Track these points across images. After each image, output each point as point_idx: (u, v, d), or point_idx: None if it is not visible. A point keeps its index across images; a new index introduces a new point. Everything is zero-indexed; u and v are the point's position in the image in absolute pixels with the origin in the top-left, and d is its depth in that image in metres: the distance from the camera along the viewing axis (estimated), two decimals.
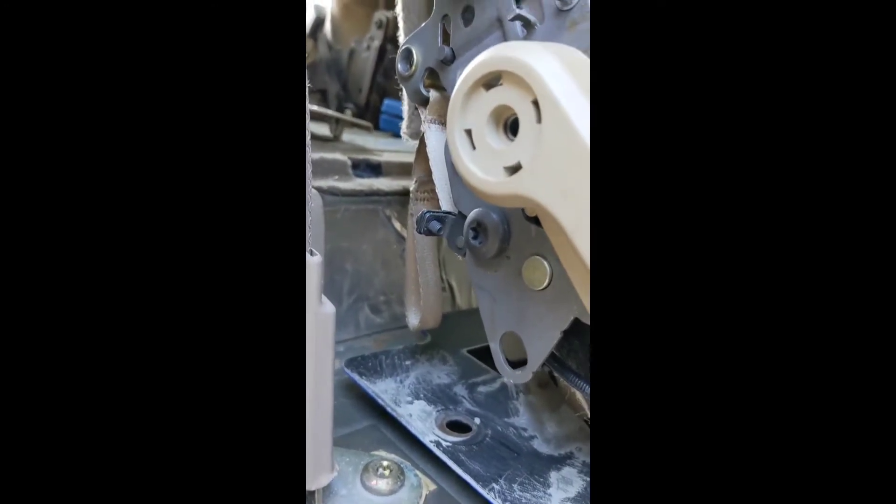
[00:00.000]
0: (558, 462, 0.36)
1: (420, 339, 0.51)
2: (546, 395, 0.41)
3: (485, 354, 0.51)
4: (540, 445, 0.38)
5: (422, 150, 0.38)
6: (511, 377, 0.27)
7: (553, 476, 0.35)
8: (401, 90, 0.41)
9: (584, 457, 0.38)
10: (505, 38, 0.26)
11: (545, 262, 0.25)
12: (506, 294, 0.27)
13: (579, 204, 0.18)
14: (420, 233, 0.30)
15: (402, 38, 0.39)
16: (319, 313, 0.27)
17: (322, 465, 0.30)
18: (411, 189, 0.40)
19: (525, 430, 0.39)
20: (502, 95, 0.20)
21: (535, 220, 0.26)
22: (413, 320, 0.42)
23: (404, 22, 0.39)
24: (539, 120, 0.18)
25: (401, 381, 0.43)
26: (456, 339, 0.51)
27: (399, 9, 0.39)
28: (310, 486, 0.30)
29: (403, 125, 0.42)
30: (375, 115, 1.05)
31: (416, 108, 0.39)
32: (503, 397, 0.41)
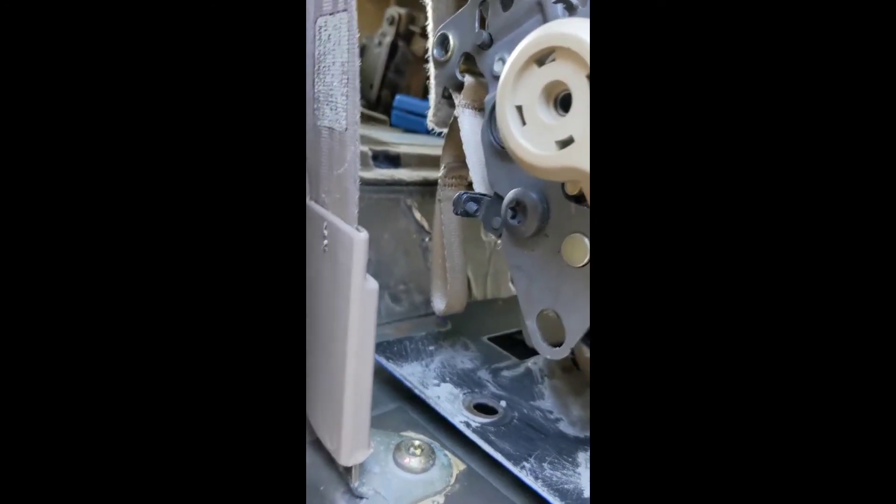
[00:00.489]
0: (585, 444, 0.37)
1: (440, 327, 0.52)
2: (570, 380, 0.42)
3: (505, 342, 0.51)
4: (566, 427, 0.38)
5: (452, 137, 0.39)
6: (549, 354, 0.28)
7: (581, 457, 0.35)
8: (427, 79, 0.41)
9: None
10: (545, 21, 0.26)
11: (585, 239, 0.26)
12: (544, 272, 0.28)
13: None
14: (457, 214, 0.31)
15: (430, 27, 0.39)
16: (364, 289, 0.27)
17: (360, 441, 0.30)
18: (440, 175, 0.40)
19: (551, 412, 0.39)
20: (555, 71, 0.21)
21: (575, 199, 0.26)
22: (439, 305, 0.42)
23: (433, 11, 0.40)
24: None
25: (426, 366, 0.43)
26: (475, 327, 0.52)
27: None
28: (347, 462, 0.31)
29: (430, 114, 0.43)
30: (387, 111, 1.06)
31: (444, 97, 0.40)
32: (528, 381, 0.42)
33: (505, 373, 0.43)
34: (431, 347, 0.46)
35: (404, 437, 0.37)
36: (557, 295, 0.27)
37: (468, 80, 0.33)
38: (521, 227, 0.28)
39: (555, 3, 0.25)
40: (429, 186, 0.58)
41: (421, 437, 0.37)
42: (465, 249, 0.41)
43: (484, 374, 0.43)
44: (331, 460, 0.34)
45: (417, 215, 0.57)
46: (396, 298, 0.57)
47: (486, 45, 0.30)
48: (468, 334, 0.50)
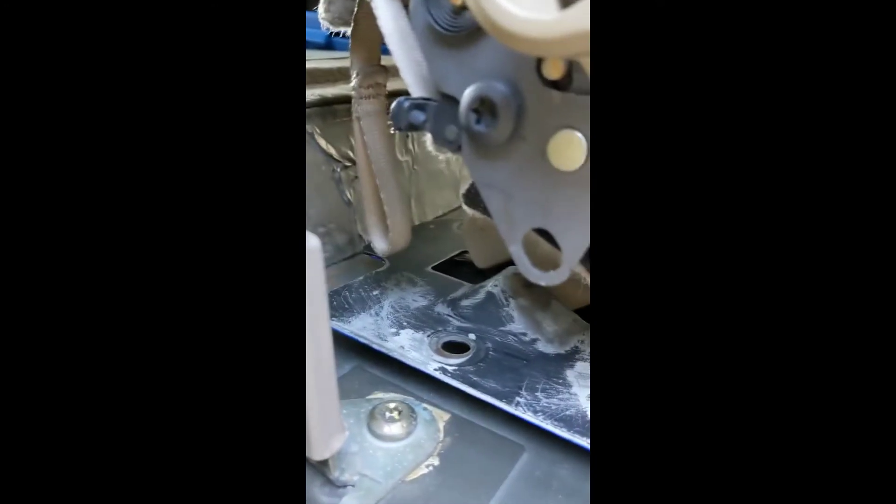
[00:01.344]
0: (568, 359, 0.34)
1: (376, 266, 0.46)
2: (535, 295, 0.39)
3: (451, 268, 0.47)
4: (545, 347, 0.35)
5: (359, 34, 0.31)
6: (544, 280, 0.24)
7: (570, 374, 0.33)
8: (315, 25, 0.32)
9: (588, 348, 0.36)
10: None
11: (578, 135, 0.20)
12: (525, 185, 0.22)
13: None
14: (400, 130, 0.24)
15: None
16: (306, 248, 0.21)
17: (332, 428, 0.25)
18: (352, 86, 0.32)
19: (524, 334, 0.36)
20: None
21: (556, 85, 0.21)
22: (381, 245, 0.36)
23: None
24: None
25: (377, 314, 0.38)
26: (414, 258, 0.47)
27: None
28: (322, 455, 0.25)
29: (321, 9, 0.34)
30: None
31: None
32: (492, 307, 0.38)
33: (464, 302, 0.39)
34: (375, 292, 0.40)
35: (374, 401, 0.32)
36: (547, 210, 0.22)
37: None
38: (490, 132, 0.22)
39: None
40: (329, 106, 0.49)
41: (394, 395, 0.32)
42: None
43: (442, 309, 0.39)
44: None
45: (322, 142, 0.48)
46: None
47: None
48: (409, 268, 0.45)
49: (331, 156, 0.49)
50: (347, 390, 0.33)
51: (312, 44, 0.81)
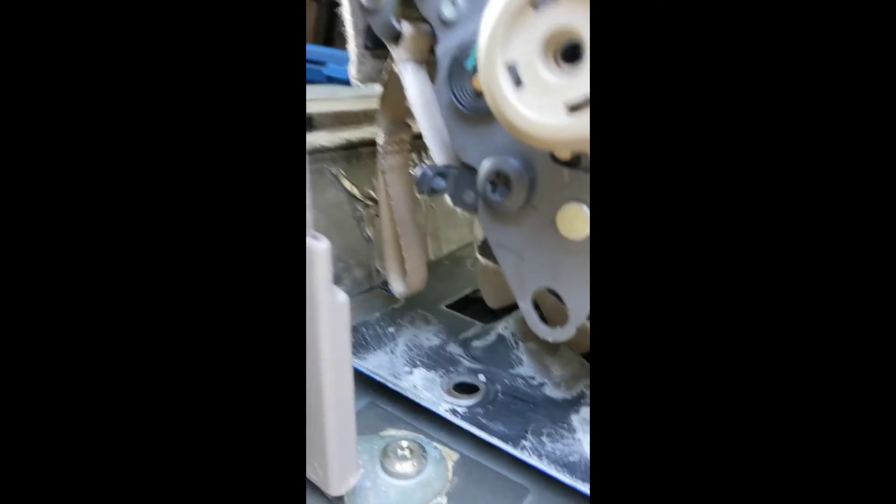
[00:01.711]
0: (574, 404, 0.36)
1: (392, 302, 0.48)
2: (544, 340, 0.40)
3: (464, 306, 0.49)
4: (551, 391, 0.37)
5: (388, 96, 0.33)
6: (551, 336, 0.25)
7: (575, 420, 0.34)
8: (343, 29, 0.35)
9: None
10: None
11: (584, 209, 0.22)
12: (536, 248, 0.25)
13: None
14: (422, 194, 0.26)
15: None
16: (334, 304, 0.23)
17: (348, 466, 0.27)
18: (380, 142, 0.35)
19: (533, 378, 0.38)
20: (559, 15, 0.16)
21: (567, 163, 0.23)
22: (399, 287, 0.38)
23: None
24: None
25: (392, 352, 0.40)
26: (428, 294, 0.49)
27: None
28: (339, 491, 0.27)
29: (352, 68, 0.36)
30: None
31: (367, 48, 0.34)
32: (502, 349, 0.40)
33: (476, 343, 0.41)
34: (391, 329, 0.42)
35: (387, 437, 0.33)
36: (556, 272, 0.24)
37: (407, 28, 0.27)
38: (504, 201, 0.24)
39: None
40: (353, 149, 0.52)
41: (405, 433, 0.34)
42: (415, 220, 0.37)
43: (454, 349, 0.40)
44: (315, 487, 0.30)
45: (346, 184, 0.51)
46: (337, 278, 0.52)
47: None
48: (423, 305, 0.47)
49: (354, 196, 0.52)
50: (362, 426, 0.35)
51: (337, 79, 0.85)
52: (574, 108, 0.17)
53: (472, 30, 0.23)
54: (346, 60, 0.35)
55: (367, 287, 0.53)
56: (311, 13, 0.97)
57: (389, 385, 0.36)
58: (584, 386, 0.38)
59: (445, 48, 0.25)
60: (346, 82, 0.36)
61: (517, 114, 0.18)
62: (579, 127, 0.17)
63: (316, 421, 0.25)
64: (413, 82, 0.28)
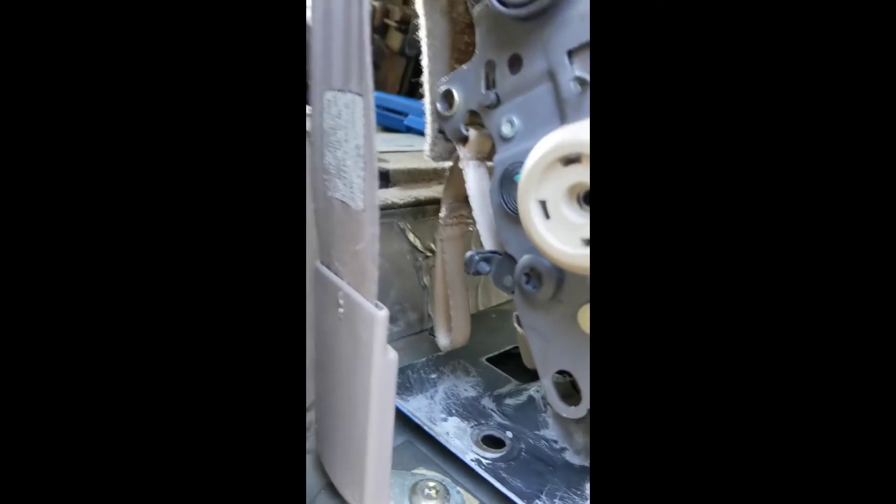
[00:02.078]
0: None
1: (438, 350, 0.53)
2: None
3: (503, 360, 0.53)
4: (571, 457, 0.40)
5: (453, 179, 0.39)
6: (566, 413, 0.29)
7: (588, 488, 0.37)
8: (422, 115, 0.41)
9: None
10: (557, 91, 0.27)
11: None
12: (559, 336, 0.29)
13: None
14: (469, 273, 0.31)
15: (425, 61, 0.39)
16: (385, 362, 0.28)
17: (381, 497, 0.31)
18: (441, 215, 0.40)
19: (556, 442, 0.41)
20: (580, 173, 0.21)
21: None
22: (444, 341, 0.43)
23: (428, 47, 0.39)
24: None
25: (431, 398, 0.44)
26: (472, 345, 0.53)
27: (423, 34, 0.39)
28: None
29: (427, 147, 0.42)
30: None
31: (440, 132, 0.40)
32: (531, 410, 0.43)
33: (508, 400, 0.44)
34: (433, 376, 0.47)
35: (418, 476, 0.38)
36: (574, 359, 0.28)
37: (473, 133, 0.33)
38: (536, 293, 0.28)
39: (570, 80, 0.25)
40: (420, 206, 0.58)
41: (434, 475, 0.38)
42: (465, 283, 0.42)
43: (488, 403, 0.44)
44: None
45: (411, 237, 0.57)
46: (393, 319, 0.57)
47: (494, 106, 0.30)
48: (466, 355, 0.51)
49: (416, 247, 0.57)
50: (396, 462, 0.39)
51: (415, 130, 0.93)
52: (588, 242, 0.21)
53: (525, 148, 0.28)
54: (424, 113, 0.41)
55: (417, 329, 0.58)
56: (398, 66, 1.06)
57: (425, 428, 0.40)
58: None
59: (501, 158, 0.30)
60: (424, 133, 0.42)
61: (543, 240, 0.22)
62: (585, 260, 0.21)
63: (358, 453, 0.30)
64: (473, 177, 0.33)
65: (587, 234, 0.21)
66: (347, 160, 0.26)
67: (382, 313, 0.27)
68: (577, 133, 0.21)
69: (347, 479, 0.32)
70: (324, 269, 0.31)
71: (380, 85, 1.06)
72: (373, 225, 0.25)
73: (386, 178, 0.61)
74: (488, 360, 0.52)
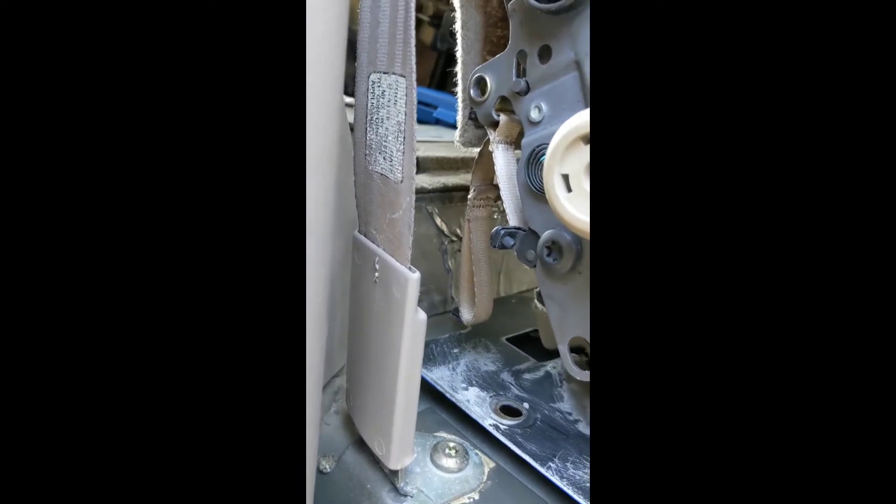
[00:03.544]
0: None
1: (461, 328, 0.55)
2: (585, 384, 0.46)
3: (522, 342, 0.55)
4: (584, 428, 0.42)
5: (482, 162, 0.42)
6: (579, 376, 0.32)
7: None
8: (451, 107, 0.44)
9: None
10: (582, 80, 0.29)
11: None
12: (576, 305, 0.31)
13: None
14: (494, 247, 0.34)
15: (459, 52, 0.41)
16: (415, 321, 0.31)
17: (406, 449, 0.34)
18: (469, 196, 0.43)
19: (570, 414, 0.44)
20: None
21: None
22: (468, 316, 0.46)
23: (462, 39, 0.42)
24: None
25: (453, 369, 0.47)
26: (493, 326, 0.55)
27: (458, 26, 0.42)
28: (396, 466, 0.34)
29: (457, 134, 0.45)
30: None
31: (471, 118, 0.42)
32: (547, 384, 0.46)
33: (526, 375, 0.47)
34: (456, 350, 0.50)
35: (439, 437, 0.41)
36: (588, 327, 0.31)
37: (503, 118, 0.35)
38: (556, 265, 0.31)
39: None
40: (447, 192, 0.60)
41: (454, 437, 0.41)
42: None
43: (507, 377, 0.47)
44: (374, 461, 0.37)
45: (438, 220, 0.59)
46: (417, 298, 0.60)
47: (524, 92, 0.32)
48: (487, 335, 0.54)
49: (442, 231, 0.60)
50: (420, 426, 0.42)
51: (444, 122, 0.96)
52: None
53: (551, 131, 0.31)
54: (454, 106, 0.44)
55: (440, 310, 0.61)
56: (429, 60, 1.08)
57: (447, 395, 0.43)
58: None
59: (529, 141, 0.33)
60: (454, 126, 0.44)
61: (566, 211, 0.25)
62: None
63: (387, 407, 0.33)
64: (502, 159, 0.36)
65: None
66: (389, 136, 0.29)
67: (415, 275, 0.29)
68: None
69: (376, 432, 0.35)
70: (361, 238, 0.34)
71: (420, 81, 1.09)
72: (409, 194, 0.28)
73: (416, 164, 0.64)
74: (508, 339, 0.55)
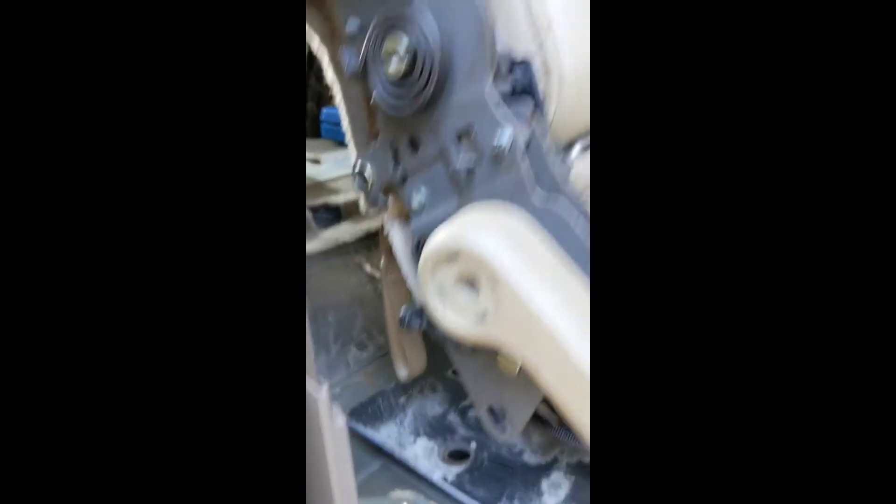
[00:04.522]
0: (547, 469, 0.44)
1: None
2: None
3: None
4: (529, 457, 0.45)
5: (385, 237, 0.43)
6: (501, 438, 0.34)
7: (544, 484, 0.42)
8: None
9: (566, 458, 0.45)
10: (448, 170, 0.30)
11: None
12: (486, 375, 0.33)
13: (540, 348, 0.23)
14: (403, 328, 0.35)
15: (345, 124, 0.42)
16: (334, 428, 0.32)
17: None
18: (381, 265, 0.44)
19: (515, 445, 0.46)
20: (464, 265, 0.25)
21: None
22: (403, 373, 0.47)
23: (346, 111, 0.42)
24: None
25: (400, 423, 0.49)
26: (438, 359, 0.57)
27: (338, 101, 0.42)
28: None
29: (362, 203, 0.45)
30: (315, 124, 1.05)
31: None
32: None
33: (471, 412, 0.49)
34: (402, 399, 0.52)
35: (392, 499, 0.43)
36: (501, 393, 0.33)
37: (391, 199, 0.37)
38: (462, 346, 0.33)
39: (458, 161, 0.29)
40: (373, 238, 0.61)
41: (408, 494, 0.43)
42: None
43: (453, 418, 0.49)
44: None
45: (368, 268, 0.60)
46: (362, 345, 0.61)
47: (401, 182, 0.34)
48: (433, 369, 0.56)
49: (374, 277, 0.61)
50: (373, 487, 0.44)
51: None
52: (479, 317, 0.26)
53: (432, 219, 0.32)
54: None
55: (387, 350, 0.62)
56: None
57: (396, 455, 0.45)
58: (557, 452, 0.46)
59: (413, 229, 0.34)
60: None
61: (444, 317, 0.26)
62: (484, 331, 0.25)
63: None
64: (398, 238, 0.37)
65: (478, 310, 0.25)
66: None
67: (322, 392, 0.30)
68: (453, 232, 0.25)
69: None
70: None
71: (329, 100, 1.07)
72: None
73: (338, 214, 0.65)
74: (454, 371, 0.57)
